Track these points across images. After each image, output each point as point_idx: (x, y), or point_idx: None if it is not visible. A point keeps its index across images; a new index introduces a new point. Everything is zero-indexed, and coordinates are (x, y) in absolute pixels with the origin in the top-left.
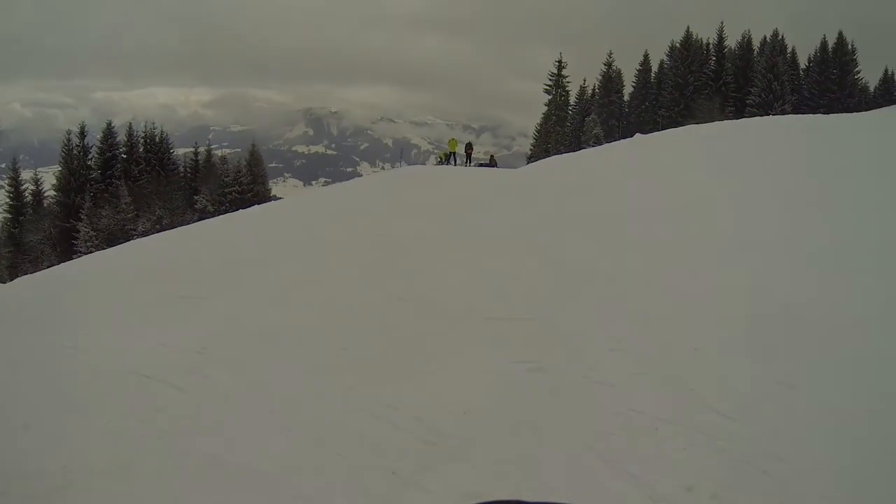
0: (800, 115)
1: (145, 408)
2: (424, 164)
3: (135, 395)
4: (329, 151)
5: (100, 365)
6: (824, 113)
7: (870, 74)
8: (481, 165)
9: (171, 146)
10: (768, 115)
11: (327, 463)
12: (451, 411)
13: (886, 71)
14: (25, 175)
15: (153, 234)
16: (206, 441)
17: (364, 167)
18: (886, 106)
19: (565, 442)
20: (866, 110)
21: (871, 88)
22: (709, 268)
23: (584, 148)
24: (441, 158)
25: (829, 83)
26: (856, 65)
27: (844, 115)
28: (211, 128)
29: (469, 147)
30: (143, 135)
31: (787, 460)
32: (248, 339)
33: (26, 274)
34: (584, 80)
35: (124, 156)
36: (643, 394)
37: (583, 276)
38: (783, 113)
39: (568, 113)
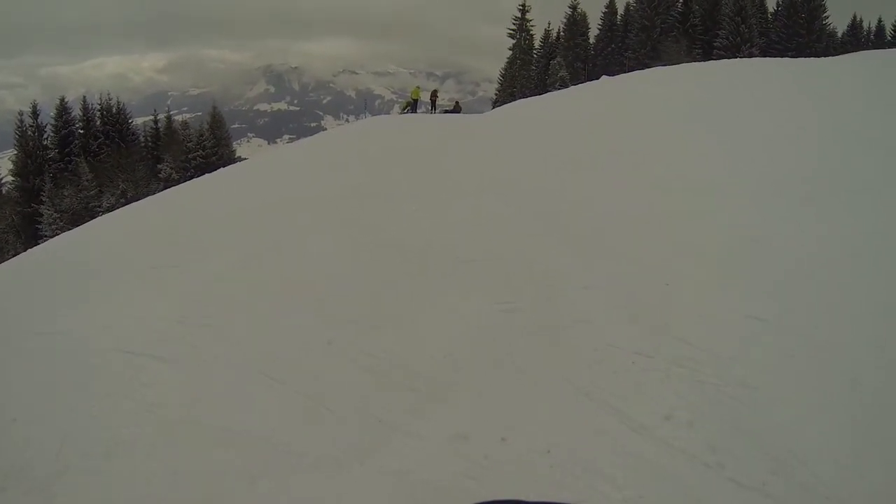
0: (767, 59)
1: (132, 384)
2: (388, 113)
3: (120, 373)
4: (292, 108)
5: (80, 347)
6: (792, 57)
7: (838, 20)
8: (446, 112)
9: (129, 116)
10: (736, 57)
11: (316, 417)
12: (432, 356)
13: (855, 17)
14: None
15: (119, 208)
16: (195, 409)
17: (328, 121)
18: (854, 51)
19: (545, 379)
20: (834, 55)
21: (840, 34)
22: (680, 205)
23: (549, 91)
24: (405, 107)
25: (798, 28)
26: (824, 10)
27: (812, 58)
28: (169, 93)
29: (434, 94)
30: (98, 107)
31: (758, 388)
32: (226, 304)
33: None
34: (549, 24)
35: (81, 131)
36: (619, 329)
37: (554, 216)
38: (750, 56)
39: (533, 57)
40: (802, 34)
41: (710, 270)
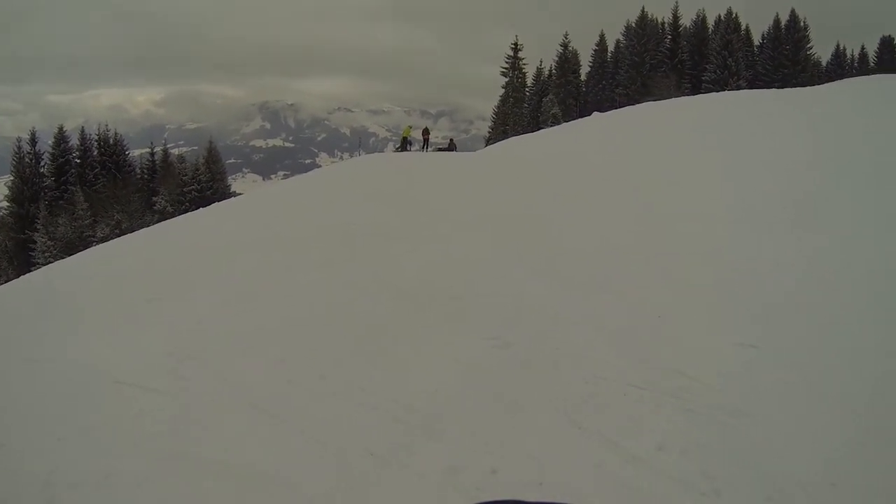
0: (754, 90)
1: (122, 414)
2: (383, 151)
3: (110, 403)
4: (287, 144)
5: (70, 375)
6: (778, 88)
7: (822, 50)
8: (440, 150)
9: (125, 148)
10: (724, 90)
11: (308, 450)
12: (423, 391)
13: (839, 46)
14: None
15: (113, 239)
16: (186, 441)
17: (323, 158)
18: (838, 80)
19: (537, 412)
20: (819, 84)
21: (824, 63)
22: (670, 238)
23: (542, 128)
24: (400, 145)
25: (783, 59)
26: (808, 41)
27: (798, 88)
28: (165, 126)
29: (426, 132)
30: (96, 138)
31: (751, 415)
32: (217, 337)
33: None
34: (541, 62)
35: (78, 161)
36: (610, 362)
37: (545, 252)
38: (738, 89)
39: (525, 94)
40: (788, 65)
41: (702, 301)
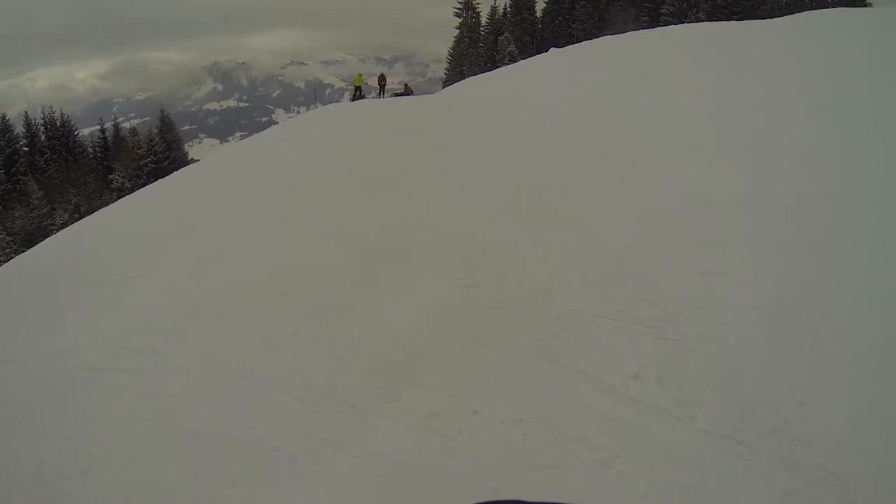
0: (714, 23)
1: (101, 399)
2: (339, 102)
3: (88, 390)
4: (241, 104)
5: (46, 369)
6: (738, 20)
7: None
8: (396, 95)
9: (74, 128)
10: (682, 23)
11: (288, 409)
12: (396, 338)
13: None
14: None
15: (73, 224)
16: (167, 417)
17: (279, 114)
18: (797, 13)
19: (511, 350)
20: (778, 17)
21: None
22: (637, 173)
23: (499, 67)
24: (354, 94)
25: None
26: None
27: (757, 21)
28: (114, 100)
29: (382, 78)
30: (41, 122)
31: (720, 340)
32: (189, 308)
33: None
34: (495, 1)
35: (26, 149)
36: (579, 295)
37: (507, 190)
38: (697, 20)
39: (480, 34)
40: None
41: (668, 232)
